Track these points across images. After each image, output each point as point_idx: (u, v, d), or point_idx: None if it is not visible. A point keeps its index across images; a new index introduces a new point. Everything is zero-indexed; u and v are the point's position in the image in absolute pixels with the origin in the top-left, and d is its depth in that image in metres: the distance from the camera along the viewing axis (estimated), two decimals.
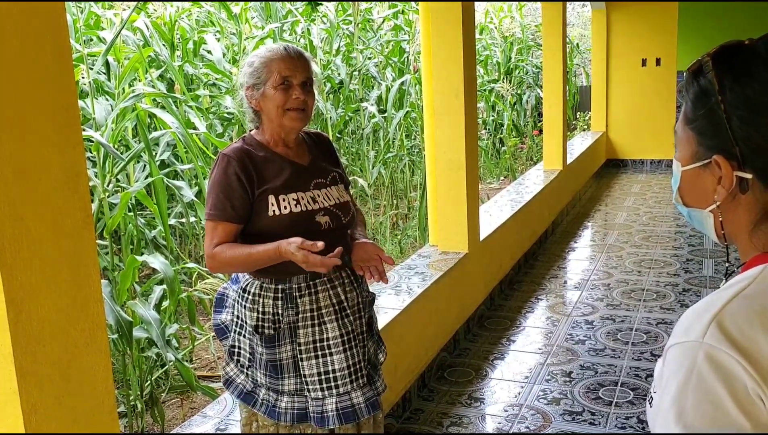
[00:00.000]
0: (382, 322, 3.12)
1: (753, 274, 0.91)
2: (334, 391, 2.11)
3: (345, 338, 2.13)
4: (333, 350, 2.11)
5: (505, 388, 3.63)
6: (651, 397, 0.91)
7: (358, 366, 2.15)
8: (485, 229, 4.66)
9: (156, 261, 3.36)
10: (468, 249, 4.19)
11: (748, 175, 0.90)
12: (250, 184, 2.06)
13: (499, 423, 3.28)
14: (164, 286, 3.51)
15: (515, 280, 5.26)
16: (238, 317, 2.16)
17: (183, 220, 4.99)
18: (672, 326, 4.28)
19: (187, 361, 3.84)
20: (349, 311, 2.17)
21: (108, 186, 3.70)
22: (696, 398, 0.82)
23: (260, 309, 2.10)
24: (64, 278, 1.39)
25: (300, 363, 2.10)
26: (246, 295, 2.13)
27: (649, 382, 3.57)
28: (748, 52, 0.90)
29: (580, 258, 5.92)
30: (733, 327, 0.84)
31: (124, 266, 3.43)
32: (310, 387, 2.11)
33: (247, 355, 2.15)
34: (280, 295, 2.10)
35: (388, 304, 3.40)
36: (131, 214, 4.12)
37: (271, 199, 2.06)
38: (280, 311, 2.09)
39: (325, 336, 2.11)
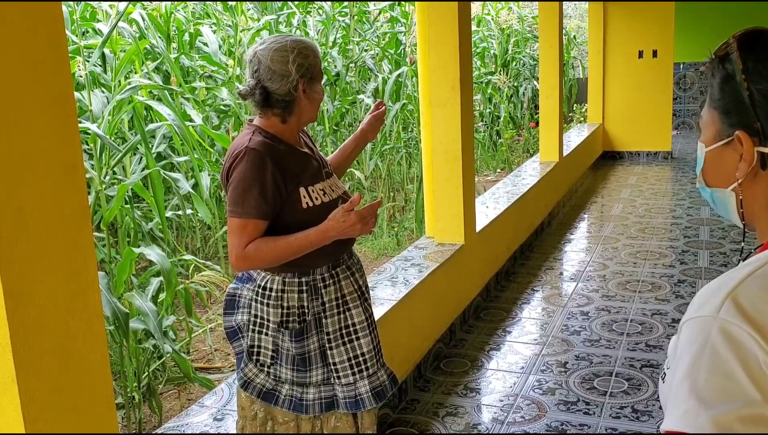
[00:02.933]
0: (378, 313, 3.14)
1: None
2: (365, 373, 2.18)
3: (368, 321, 2.22)
4: (360, 334, 2.18)
5: (500, 378, 3.65)
6: (664, 373, 0.93)
7: (379, 346, 2.26)
8: (482, 221, 4.67)
9: (153, 253, 3.37)
10: (464, 241, 4.21)
11: None
12: (284, 180, 2.04)
13: (495, 413, 3.31)
14: (161, 278, 3.52)
15: (511, 272, 5.28)
16: (256, 316, 2.13)
17: (179, 212, 4.99)
18: (666, 317, 4.30)
19: (184, 352, 3.86)
20: (366, 295, 2.26)
21: (105, 178, 3.71)
22: (709, 370, 0.84)
23: (284, 305, 2.10)
24: (61, 268, 1.40)
25: (329, 352, 2.14)
26: (267, 292, 2.11)
27: (644, 372, 3.60)
28: None
29: (576, 249, 5.94)
30: (748, 303, 0.86)
31: (121, 258, 3.43)
32: (341, 374, 2.15)
33: (269, 353, 2.14)
34: (304, 287, 2.11)
35: (385, 295, 3.41)
36: (128, 206, 4.12)
37: (302, 191, 2.08)
38: (305, 304, 2.11)
39: (351, 322, 2.17)
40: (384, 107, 2.53)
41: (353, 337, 2.16)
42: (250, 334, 2.15)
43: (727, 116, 0.97)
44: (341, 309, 2.16)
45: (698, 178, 1.06)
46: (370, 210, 2.05)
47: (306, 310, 2.11)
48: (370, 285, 2.38)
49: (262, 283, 2.12)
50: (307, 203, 2.08)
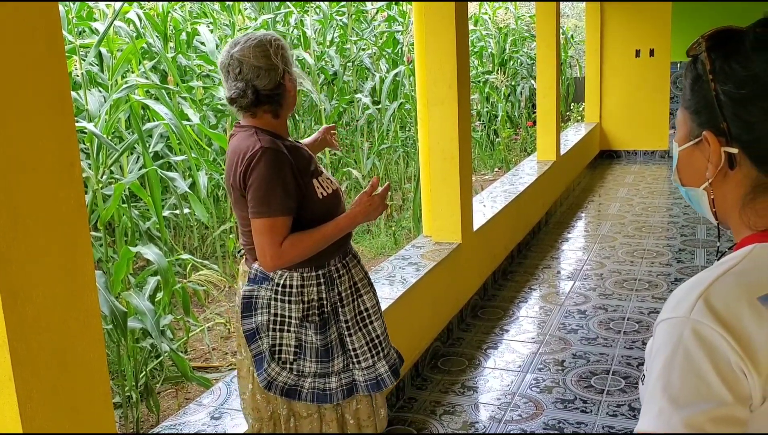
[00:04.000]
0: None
1: (743, 253, 0.94)
2: (382, 353, 2.26)
3: (378, 305, 2.31)
4: (373, 318, 2.27)
5: (498, 376, 3.65)
6: (643, 375, 0.94)
7: (386, 327, 2.35)
8: (479, 220, 4.68)
9: (150, 252, 3.37)
10: (462, 239, 4.21)
11: (735, 150, 0.94)
12: (300, 174, 2.10)
13: (492, 411, 3.31)
14: (158, 277, 3.52)
15: (509, 270, 5.29)
16: (276, 314, 2.14)
17: (177, 211, 4.99)
18: None
19: (181, 351, 3.86)
20: (371, 281, 2.35)
21: (102, 177, 3.71)
22: (682, 371, 0.85)
23: (305, 299, 2.14)
24: (58, 267, 1.40)
25: (347, 339, 2.21)
26: (287, 289, 2.13)
27: (641, 370, 3.61)
28: (739, 34, 0.95)
29: (573, 248, 5.95)
30: (720, 303, 0.87)
31: (119, 257, 3.43)
32: (361, 358, 2.22)
33: (292, 350, 2.16)
34: (321, 280, 2.17)
35: (383, 293, 3.41)
36: (125, 205, 4.12)
37: (315, 183, 2.15)
38: (324, 296, 2.17)
39: (364, 307, 2.25)
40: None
41: (367, 321, 2.25)
42: (270, 333, 2.15)
43: (697, 116, 0.98)
44: (354, 296, 2.24)
45: (673, 176, 1.07)
46: (385, 192, 2.19)
47: (324, 302, 2.17)
48: None
49: (281, 281, 2.14)
50: (321, 193, 2.15)
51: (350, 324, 2.21)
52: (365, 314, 2.26)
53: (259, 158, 2.01)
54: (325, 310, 2.17)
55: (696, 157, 1.00)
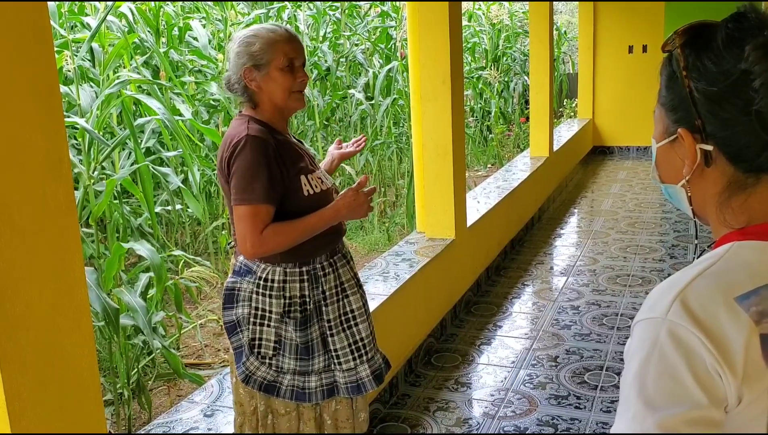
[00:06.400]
0: (370, 307, 3.12)
1: (721, 252, 0.93)
2: (365, 357, 2.23)
3: (365, 308, 2.27)
4: (358, 320, 2.23)
5: (491, 373, 3.65)
6: (624, 369, 0.93)
7: (374, 331, 2.32)
8: (472, 216, 4.67)
9: (142, 248, 3.35)
10: (455, 235, 4.21)
11: (710, 148, 0.93)
12: (285, 165, 2.08)
13: (486, 408, 3.31)
14: (150, 274, 3.50)
15: (502, 266, 5.29)
16: (257, 308, 2.13)
17: (169, 207, 4.97)
18: None
19: (174, 348, 3.84)
20: (360, 282, 2.32)
21: (93, 173, 3.68)
22: (657, 373, 0.84)
23: (287, 295, 2.12)
24: (47, 264, 1.38)
25: (329, 339, 2.18)
26: (269, 283, 2.11)
27: None
28: (712, 29, 0.94)
29: (567, 244, 5.95)
30: (696, 304, 0.86)
31: (110, 254, 3.41)
32: (342, 359, 2.19)
33: (272, 345, 2.14)
34: (305, 277, 2.14)
35: (376, 290, 3.41)
36: (117, 201, 4.10)
37: (303, 179, 2.12)
38: (306, 293, 2.14)
39: (349, 308, 2.22)
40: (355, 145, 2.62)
41: (352, 323, 2.22)
42: (251, 326, 2.14)
43: (672, 113, 0.97)
44: (340, 296, 2.21)
45: (653, 173, 1.06)
46: (370, 192, 2.16)
47: (307, 299, 2.14)
48: (361, 280, 2.41)
49: (263, 275, 2.12)
50: (308, 191, 2.12)
51: (333, 324, 2.18)
52: (350, 316, 2.22)
53: (243, 145, 2.01)
54: (308, 307, 2.14)
55: (673, 154, 0.99)
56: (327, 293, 2.17)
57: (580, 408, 3.27)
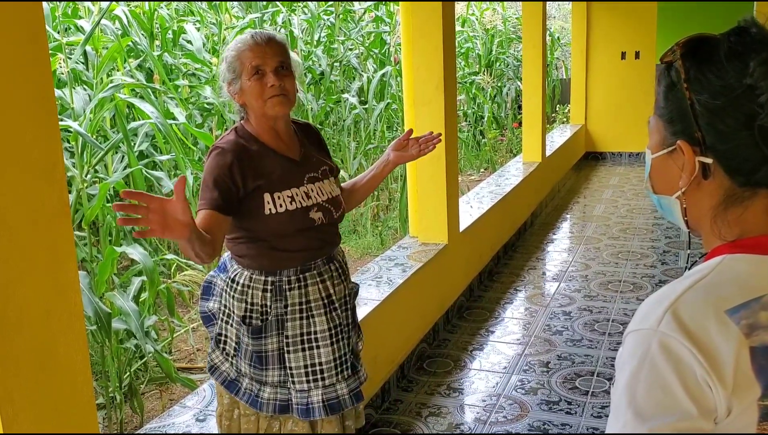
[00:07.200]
0: (362, 313, 3.13)
1: (712, 265, 0.94)
2: (320, 383, 2.12)
3: (332, 332, 2.14)
4: (320, 343, 2.12)
5: (483, 378, 3.66)
6: (615, 379, 0.94)
7: (343, 358, 2.18)
8: (465, 221, 4.68)
9: (135, 252, 3.34)
10: (448, 240, 4.21)
11: (709, 160, 0.93)
12: (243, 178, 2.01)
13: (478, 413, 3.32)
14: (143, 278, 3.49)
15: (494, 272, 5.30)
16: (225, 306, 2.15)
17: None
18: None
19: (166, 352, 3.83)
20: (336, 305, 2.17)
21: (86, 176, 3.68)
22: (647, 384, 0.85)
23: (248, 300, 2.09)
24: (41, 267, 1.38)
25: (286, 355, 2.10)
26: (235, 285, 2.11)
27: None
28: (713, 42, 0.94)
29: (559, 249, 5.97)
30: (687, 316, 0.87)
31: (103, 257, 3.41)
32: (296, 379, 2.11)
33: (233, 344, 2.14)
34: (269, 287, 2.09)
35: (369, 295, 3.41)
36: (110, 204, 4.09)
37: (267, 197, 2.03)
38: (268, 303, 2.09)
39: (312, 329, 2.11)
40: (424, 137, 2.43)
41: (313, 344, 2.11)
42: (219, 322, 2.17)
43: (671, 124, 0.97)
44: (304, 314, 2.11)
45: (645, 183, 1.06)
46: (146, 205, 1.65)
47: (269, 310, 2.09)
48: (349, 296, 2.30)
49: (232, 276, 2.13)
50: (270, 210, 2.03)
51: (291, 341, 2.10)
52: (312, 337, 2.11)
53: (208, 155, 2.07)
54: (268, 317, 2.08)
55: (669, 165, 0.99)
56: (290, 308, 2.09)
57: (571, 413, 3.28)
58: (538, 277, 5.23)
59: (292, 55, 2.18)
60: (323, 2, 7.29)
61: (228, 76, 2.09)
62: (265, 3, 6.61)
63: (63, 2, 5.01)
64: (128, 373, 3.44)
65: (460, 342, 4.10)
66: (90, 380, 1.51)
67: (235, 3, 6.36)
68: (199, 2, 6.29)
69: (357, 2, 8.01)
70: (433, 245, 4.17)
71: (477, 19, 11.10)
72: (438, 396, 3.48)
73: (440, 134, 2.48)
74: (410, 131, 2.42)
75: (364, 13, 8.02)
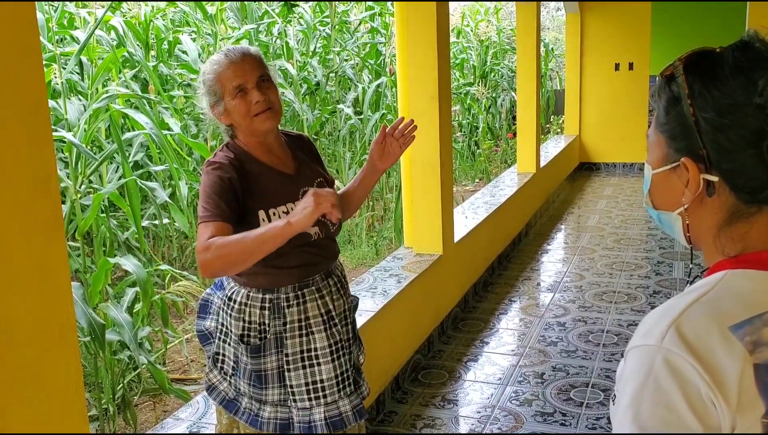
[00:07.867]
0: (357, 324, 3.12)
1: (714, 280, 0.93)
2: (322, 400, 2.09)
3: (333, 348, 2.11)
4: (321, 360, 2.09)
5: (478, 389, 3.65)
6: (614, 395, 0.94)
7: (345, 374, 2.15)
8: (460, 231, 4.69)
9: (129, 263, 3.33)
10: (442, 251, 4.21)
11: (714, 178, 0.92)
12: (243, 194, 2.00)
13: (472, 425, 3.31)
14: (137, 289, 3.48)
15: (489, 282, 5.30)
16: (222, 325, 2.12)
17: (156, 221, 4.95)
18: None
19: (159, 364, 3.82)
20: (336, 320, 2.15)
21: (80, 187, 3.67)
22: (652, 401, 0.85)
23: (246, 318, 2.06)
24: (33, 279, 1.38)
25: (287, 374, 2.07)
26: (232, 303, 2.08)
27: None
28: (717, 58, 0.92)
29: (553, 260, 5.98)
30: (691, 332, 0.86)
31: (97, 268, 3.40)
32: (297, 397, 2.08)
33: (231, 363, 2.11)
34: (267, 304, 2.06)
35: (364, 306, 3.40)
36: (104, 215, 4.08)
37: (262, 214, 2.01)
38: (266, 321, 2.06)
39: (313, 346, 2.08)
40: (392, 128, 2.31)
41: (313, 362, 2.09)
42: (216, 341, 2.15)
43: (674, 141, 0.96)
44: (304, 332, 2.08)
45: (645, 199, 1.05)
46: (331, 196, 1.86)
47: (267, 328, 2.06)
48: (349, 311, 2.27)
49: (229, 294, 2.10)
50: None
51: (291, 359, 2.07)
52: (312, 354, 2.09)
53: (204, 170, 2.03)
54: (267, 335, 2.06)
55: (672, 181, 0.98)
56: (289, 326, 2.06)
57: (565, 425, 3.27)
58: (532, 288, 5.23)
59: (272, 65, 2.16)
60: (319, 13, 7.31)
61: (210, 99, 2.05)
62: (261, 13, 6.62)
63: (58, 11, 5.01)
64: (122, 385, 3.42)
65: (454, 353, 4.09)
66: (82, 392, 1.50)
67: (231, 14, 6.37)
68: (194, 11, 6.30)
69: (353, 13, 8.04)
70: (427, 256, 4.17)
71: (472, 31, 11.15)
72: (432, 407, 3.47)
73: (412, 120, 2.31)
74: (385, 127, 2.30)
75: (360, 24, 8.05)
